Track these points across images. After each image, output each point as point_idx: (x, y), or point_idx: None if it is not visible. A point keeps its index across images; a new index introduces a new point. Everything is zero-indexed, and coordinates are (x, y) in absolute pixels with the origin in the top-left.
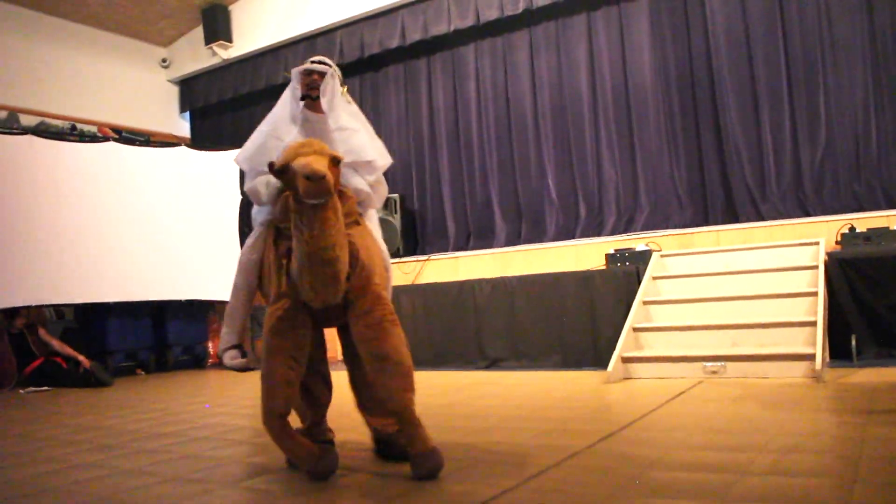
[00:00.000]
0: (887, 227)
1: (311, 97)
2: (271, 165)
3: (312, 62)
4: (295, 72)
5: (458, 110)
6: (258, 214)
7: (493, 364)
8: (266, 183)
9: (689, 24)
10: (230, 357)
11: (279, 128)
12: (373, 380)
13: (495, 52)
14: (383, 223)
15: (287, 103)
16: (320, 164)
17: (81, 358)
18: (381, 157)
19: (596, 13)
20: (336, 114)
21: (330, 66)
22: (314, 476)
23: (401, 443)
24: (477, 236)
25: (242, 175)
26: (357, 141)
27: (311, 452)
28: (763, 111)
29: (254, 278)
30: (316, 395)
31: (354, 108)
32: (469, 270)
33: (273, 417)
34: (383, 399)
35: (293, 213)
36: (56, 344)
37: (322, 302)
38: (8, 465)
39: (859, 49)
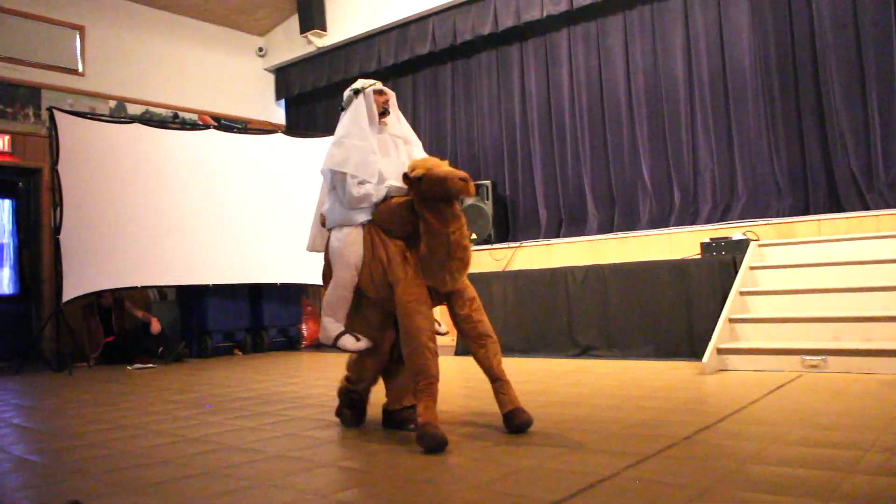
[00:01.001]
0: None
1: (387, 112)
2: (406, 176)
3: (376, 85)
4: (369, 91)
5: (551, 96)
6: (357, 216)
7: (584, 352)
8: (377, 189)
9: (792, 3)
10: (351, 341)
11: (370, 141)
12: (474, 352)
13: (589, 37)
14: (475, 209)
15: (364, 119)
16: (455, 170)
17: (154, 321)
18: None
19: None
20: (401, 126)
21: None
22: (431, 443)
23: (402, 419)
24: (569, 223)
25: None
26: (418, 154)
27: (436, 422)
28: (871, 94)
29: (357, 273)
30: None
31: (407, 126)
32: (561, 258)
33: (434, 381)
34: (485, 367)
35: (430, 213)
36: (140, 314)
37: (453, 286)
38: (122, 436)
39: None
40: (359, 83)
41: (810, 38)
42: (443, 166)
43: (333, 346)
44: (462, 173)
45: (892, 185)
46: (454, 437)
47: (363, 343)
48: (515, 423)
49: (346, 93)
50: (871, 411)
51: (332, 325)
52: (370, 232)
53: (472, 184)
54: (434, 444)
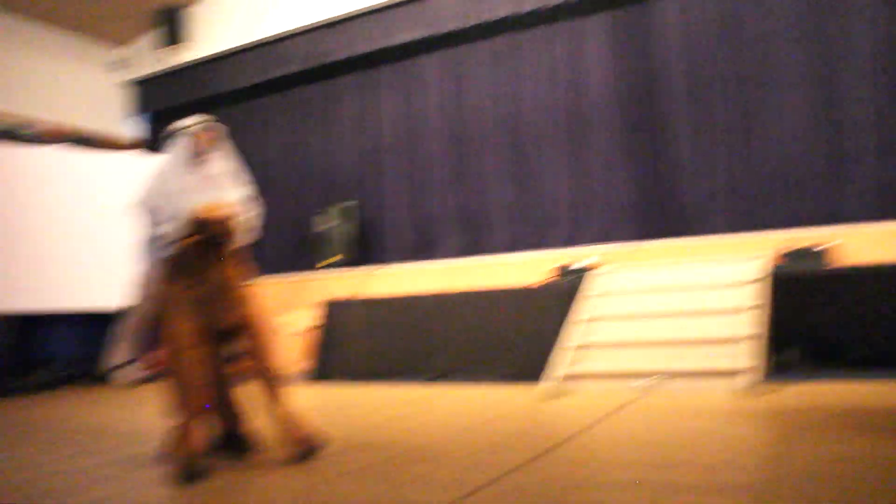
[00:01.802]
0: (828, 246)
1: (209, 150)
2: (191, 220)
3: (204, 123)
4: (193, 129)
5: (412, 120)
6: (158, 252)
7: (439, 377)
8: (176, 229)
9: (648, 41)
10: (132, 370)
11: (180, 180)
12: (255, 385)
13: (451, 62)
14: (333, 233)
15: (181, 157)
16: (223, 213)
17: None
18: (247, 209)
19: (554, 27)
20: (222, 164)
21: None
22: (183, 474)
23: (242, 439)
24: (425, 247)
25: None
26: (231, 193)
27: (191, 453)
28: (717, 128)
29: (151, 306)
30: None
31: (231, 163)
32: (418, 281)
33: (187, 413)
34: (264, 401)
35: (200, 254)
36: None
37: (226, 323)
38: None
39: (806, 75)
40: (187, 120)
41: (663, 72)
42: (213, 211)
43: (111, 372)
44: (220, 215)
45: (731, 213)
46: (292, 468)
47: (140, 374)
48: (301, 451)
49: (171, 129)
50: (700, 430)
51: (121, 352)
52: (166, 268)
53: (227, 225)
54: (187, 475)
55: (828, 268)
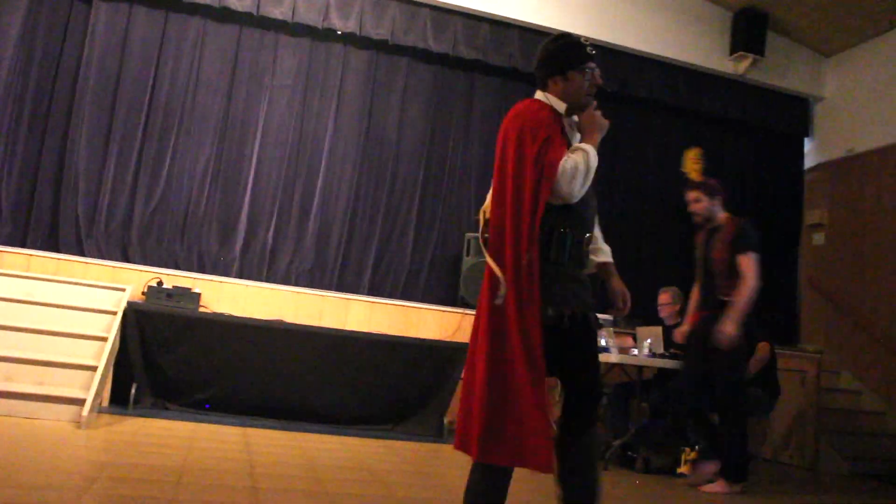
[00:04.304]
0: (190, 289)
1: None
2: None
3: None
4: None
5: None
6: None
7: None
8: None
9: (68, 34)
10: None
11: None
12: None
13: None
14: None
15: None
16: None
17: None
18: None
19: None
20: None
21: None
22: None
23: None
24: None
25: None
26: None
27: None
28: (112, 149)
29: None
30: None
31: None
32: None
33: None
34: None
35: None
36: None
37: None
38: None
39: (213, 123)
40: None
41: (75, 73)
42: None
43: None
44: None
45: (108, 237)
46: None
47: None
48: None
49: None
50: (26, 455)
51: None
52: None
53: None
54: None
55: (187, 311)
